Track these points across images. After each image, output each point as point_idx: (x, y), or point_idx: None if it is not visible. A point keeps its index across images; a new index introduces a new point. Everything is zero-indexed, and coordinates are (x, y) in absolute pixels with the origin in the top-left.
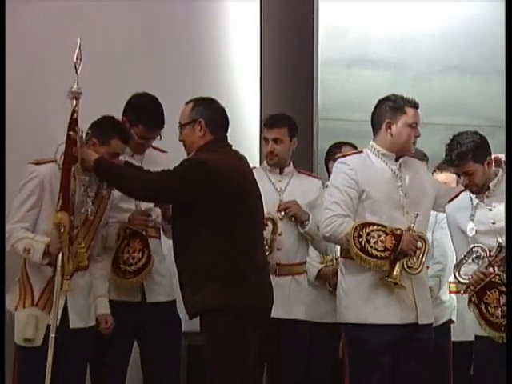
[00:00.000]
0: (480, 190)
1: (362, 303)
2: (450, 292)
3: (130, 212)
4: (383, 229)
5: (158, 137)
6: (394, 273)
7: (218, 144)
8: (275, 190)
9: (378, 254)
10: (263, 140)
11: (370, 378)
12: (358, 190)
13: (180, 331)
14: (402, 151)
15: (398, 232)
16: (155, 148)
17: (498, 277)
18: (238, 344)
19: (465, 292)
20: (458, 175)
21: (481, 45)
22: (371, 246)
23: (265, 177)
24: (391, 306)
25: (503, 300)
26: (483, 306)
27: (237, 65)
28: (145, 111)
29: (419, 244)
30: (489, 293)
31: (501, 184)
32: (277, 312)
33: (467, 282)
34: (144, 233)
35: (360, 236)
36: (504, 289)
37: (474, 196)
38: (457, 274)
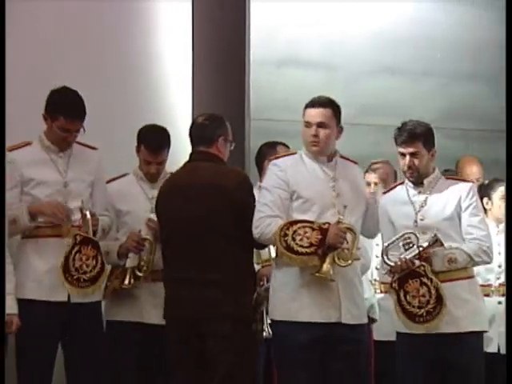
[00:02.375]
0: (417, 178)
1: (289, 301)
2: (381, 292)
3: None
4: (310, 225)
5: (82, 130)
6: (324, 268)
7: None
8: None
9: (304, 250)
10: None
11: (295, 375)
12: (288, 190)
13: (103, 333)
14: (313, 152)
15: (325, 226)
16: (84, 145)
17: (422, 267)
18: None
19: (388, 274)
20: (403, 155)
21: (411, 46)
22: (296, 244)
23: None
24: (316, 304)
25: (422, 290)
26: (402, 293)
27: (168, 65)
28: (63, 102)
29: (348, 236)
30: (410, 281)
31: (437, 183)
32: None
33: (392, 265)
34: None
35: (286, 235)
36: (426, 280)
37: (410, 190)
38: (385, 257)
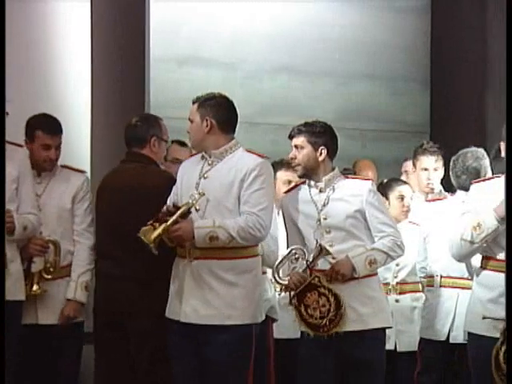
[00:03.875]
0: (302, 172)
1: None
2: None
3: None
4: None
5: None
6: None
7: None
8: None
9: None
10: None
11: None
12: (177, 191)
13: None
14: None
15: None
16: (9, 142)
17: (316, 279)
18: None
19: (284, 291)
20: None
21: (309, 46)
22: None
23: None
24: (173, 301)
25: (322, 301)
26: (303, 308)
27: (67, 64)
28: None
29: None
30: (308, 294)
31: (337, 182)
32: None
33: (286, 283)
34: None
35: None
36: (323, 290)
37: (311, 189)
38: (276, 275)
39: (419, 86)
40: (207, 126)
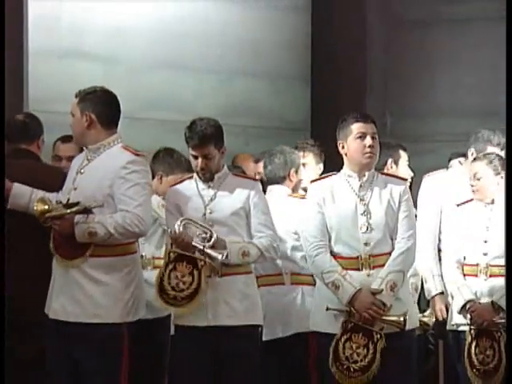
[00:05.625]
0: (210, 176)
1: None
2: None
3: None
4: None
5: None
6: None
7: None
8: None
9: None
10: None
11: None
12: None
13: None
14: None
15: None
16: None
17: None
18: None
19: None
20: (195, 157)
21: (192, 42)
22: None
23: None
24: (48, 298)
25: (187, 275)
26: (166, 277)
27: None
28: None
29: None
30: (180, 264)
31: (225, 179)
32: None
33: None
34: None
35: None
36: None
37: (199, 184)
38: None
39: (300, 84)
40: (87, 120)
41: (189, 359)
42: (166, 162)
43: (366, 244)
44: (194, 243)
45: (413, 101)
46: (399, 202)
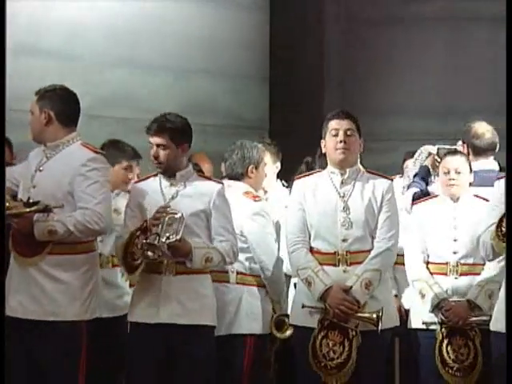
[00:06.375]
0: (164, 170)
1: None
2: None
3: None
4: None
5: None
6: None
7: None
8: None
9: None
10: None
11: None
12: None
13: None
14: None
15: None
16: None
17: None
18: None
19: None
20: (151, 146)
21: (149, 41)
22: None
23: None
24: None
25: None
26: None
27: None
28: None
29: None
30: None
31: (189, 179)
32: None
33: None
34: None
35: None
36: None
37: (163, 181)
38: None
39: (258, 83)
40: (45, 118)
41: (142, 356)
42: (111, 152)
43: (344, 240)
44: (149, 240)
45: (369, 99)
46: (381, 201)
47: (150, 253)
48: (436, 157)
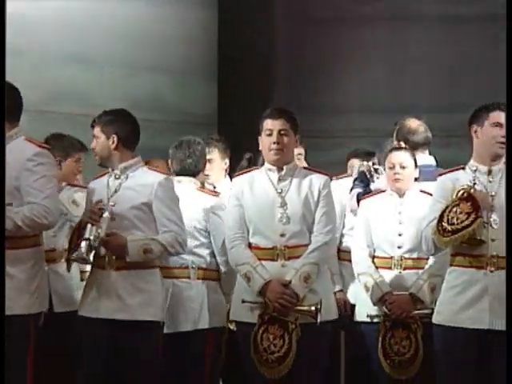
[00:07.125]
0: (99, 162)
1: None
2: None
3: None
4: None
5: None
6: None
7: None
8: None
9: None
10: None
11: None
12: None
13: None
14: None
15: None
16: None
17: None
18: None
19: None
20: None
21: (97, 37)
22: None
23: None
24: None
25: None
26: None
27: None
28: None
29: None
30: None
31: (135, 172)
32: None
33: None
34: None
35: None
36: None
37: (111, 175)
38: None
39: (207, 79)
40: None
41: (89, 350)
42: (58, 146)
43: (282, 235)
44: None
45: (318, 98)
46: (318, 196)
47: (75, 255)
48: (369, 163)
